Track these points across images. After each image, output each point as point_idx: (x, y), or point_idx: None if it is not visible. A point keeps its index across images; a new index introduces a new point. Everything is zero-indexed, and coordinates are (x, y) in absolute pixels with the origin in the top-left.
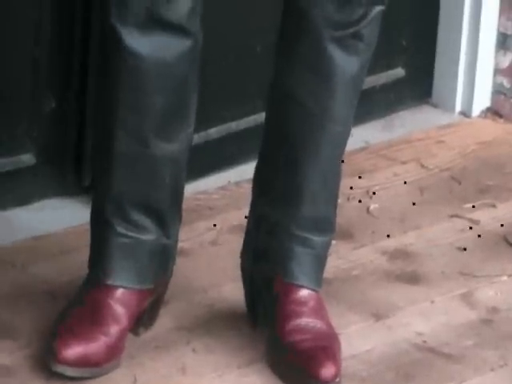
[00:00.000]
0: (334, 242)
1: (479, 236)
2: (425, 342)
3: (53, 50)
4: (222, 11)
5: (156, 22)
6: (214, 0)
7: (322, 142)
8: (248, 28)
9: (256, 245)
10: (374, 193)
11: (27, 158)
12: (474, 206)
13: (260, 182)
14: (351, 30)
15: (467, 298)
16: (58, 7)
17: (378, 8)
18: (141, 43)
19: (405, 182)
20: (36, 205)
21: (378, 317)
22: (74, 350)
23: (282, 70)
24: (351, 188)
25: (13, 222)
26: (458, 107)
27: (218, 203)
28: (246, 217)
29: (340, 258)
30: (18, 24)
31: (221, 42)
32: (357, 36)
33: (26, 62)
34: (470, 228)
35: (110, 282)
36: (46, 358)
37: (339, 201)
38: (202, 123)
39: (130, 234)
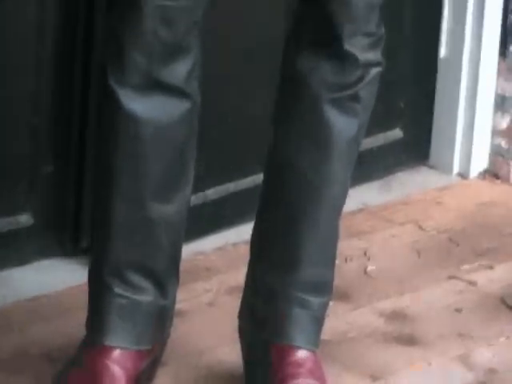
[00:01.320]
0: (331, 302)
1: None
2: None
3: (51, 115)
4: (220, 74)
5: (154, 85)
6: (211, 63)
7: (320, 206)
8: (246, 90)
9: (253, 307)
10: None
11: (25, 219)
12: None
13: (258, 244)
14: (349, 92)
15: (464, 360)
16: (57, 73)
17: (376, 69)
18: (138, 105)
19: (402, 244)
20: (33, 265)
21: (374, 378)
22: None
23: (279, 134)
24: (349, 250)
25: (10, 282)
26: (456, 169)
27: (216, 264)
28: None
29: (337, 319)
30: (18, 91)
31: (219, 103)
32: (354, 98)
33: (25, 126)
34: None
35: (107, 343)
36: None
37: (337, 262)
38: (200, 184)
39: (127, 294)
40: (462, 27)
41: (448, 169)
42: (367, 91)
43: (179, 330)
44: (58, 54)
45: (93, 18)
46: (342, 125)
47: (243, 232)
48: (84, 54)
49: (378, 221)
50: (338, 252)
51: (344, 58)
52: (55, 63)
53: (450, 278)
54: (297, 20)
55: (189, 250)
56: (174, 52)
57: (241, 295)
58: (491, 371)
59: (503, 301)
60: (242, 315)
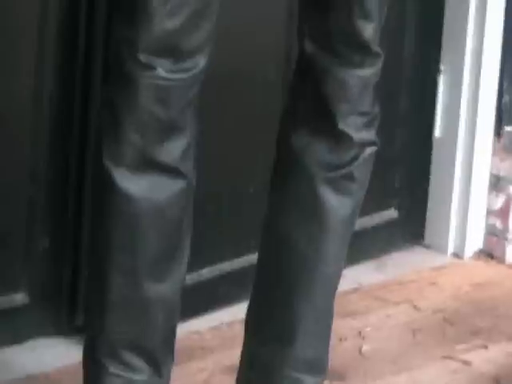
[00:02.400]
0: (326, 382)
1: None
2: None
3: (48, 190)
4: (214, 151)
5: (149, 164)
6: (206, 141)
7: (315, 283)
8: (241, 168)
9: (249, 382)
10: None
11: (20, 297)
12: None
13: (253, 321)
14: (343, 172)
15: None
16: (52, 148)
17: (371, 149)
18: (133, 184)
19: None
20: (29, 344)
21: None
22: None
23: (274, 211)
24: (344, 330)
25: (5, 360)
26: (451, 249)
27: (211, 343)
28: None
29: None
30: (14, 165)
31: (214, 182)
32: (349, 177)
33: (21, 200)
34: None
35: None
36: None
37: (331, 341)
38: (195, 263)
39: (122, 373)
40: (456, 107)
41: (443, 248)
42: (362, 170)
43: None
44: (53, 130)
45: (89, 91)
46: (337, 204)
47: (238, 311)
48: (80, 131)
49: (372, 300)
50: (332, 331)
51: (339, 138)
52: (51, 137)
53: (445, 357)
54: (292, 99)
55: (184, 328)
56: (168, 131)
57: (235, 375)
58: None
59: (498, 381)
60: None
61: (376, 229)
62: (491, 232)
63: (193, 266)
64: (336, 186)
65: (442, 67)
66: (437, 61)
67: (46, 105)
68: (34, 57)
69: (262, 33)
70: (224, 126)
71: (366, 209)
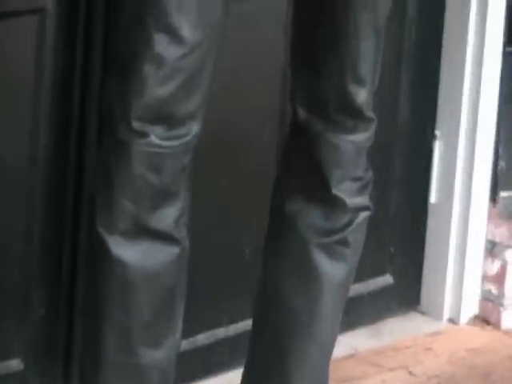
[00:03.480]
0: None
1: None
2: None
3: (42, 258)
4: (207, 213)
5: (142, 231)
6: (200, 203)
7: (310, 346)
8: (236, 231)
9: None
10: None
11: (15, 364)
12: None
13: (248, 381)
14: (337, 237)
15: None
16: (46, 214)
17: (364, 214)
18: (127, 251)
19: None
20: None
21: None
22: None
23: (269, 277)
24: None
25: None
26: (447, 314)
27: None
28: None
29: None
30: (9, 229)
31: (208, 245)
32: (343, 242)
33: (15, 268)
34: None
35: None
36: None
37: None
38: (190, 329)
39: None
40: (452, 173)
41: (438, 314)
42: (356, 236)
43: None
44: (48, 194)
45: (83, 154)
46: (331, 269)
47: (234, 378)
48: (74, 196)
49: (368, 366)
50: None
51: (332, 203)
52: (45, 202)
53: None
54: (285, 164)
55: None
56: (162, 197)
57: None
58: None
59: None
60: None
61: (371, 295)
62: (487, 298)
63: (188, 332)
64: (330, 251)
65: (437, 133)
66: (432, 126)
67: (39, 166)
68: (29, 120)
69: (256, 95)
70: (218, 187)
71: (361, 274)
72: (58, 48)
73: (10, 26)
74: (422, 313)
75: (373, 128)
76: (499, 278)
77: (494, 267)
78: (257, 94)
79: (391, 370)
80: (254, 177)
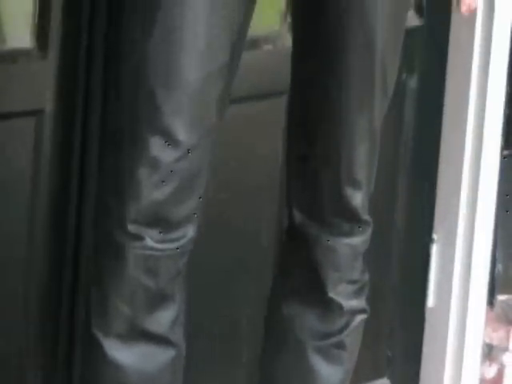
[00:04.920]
0: None
1: None
2: None
3: (38, 360)
4: (203, 308)
5: (138, 334)
6: (197, 295)
7: None
8: (233, 300)
9: None
10: None
11: None
12: None
13: None
14: (334, 340)
15: None
16: (42, 320)
17: (361, 316)
18: (123, 354)
19: None
20: None
21: None
22: None
23: (266, 379)
24: None
25: None
26: None
27: None
28: None
29: None
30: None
31: (204, 335)
32: (340, 345)
33: (12, 358)
34: None
35: None
36: None
37: None
38: None
39: None
40: (449, 276)
41: None
42: (352, 338)
43: None
44: (43, 297)
45: (80, 257)
46: (328, 372)
47: None
48: (68, 302)
49: None
50: None
51: (329, 306)
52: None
53: None
54: (282, 267)
55: None
56: (157, 301)
57: None
58: None
59: None
60: None
61: None
62: None
63: None
64: (326, 354)
65: (434, 236)
66: (429, 230)
67: (35, 272)
68: (25, 222)
69: (253, 198)
70: (213, 287)
71: (358, 377)
72: (56, 150)
73: (8, 127)
74: None
75: (369, 231)
76: (496, 382)
77: (491, 371)
78: (254, 196)
79: None
80: (251, 277)
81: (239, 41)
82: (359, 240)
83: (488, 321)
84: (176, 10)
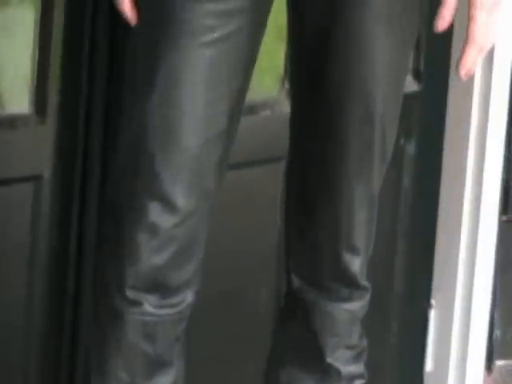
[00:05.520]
0: None
1: None
2: None
3: None
4: (204, 356)
5: None
6: (194, 366)
7: None
8: (231, 366)
9: None
10: None
11: None
12: None
13: None
14: None
15: None
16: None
17: (359, 382)
18: None
19: None
20: None
21: None
22: None
23: None
24: None
25: None
26: None
27: None
28: None
29: None
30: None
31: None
32: None
33: None
34: None
35: None
36: None
37: None
38: None
39: None
40: (447, 341)
41: None
42: None
43: None
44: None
45: (78, 328)
46: None
47: None
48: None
49: None
50: None
51: (327, 372)
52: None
53: None
54: (280, 333)
55: None
56: (156, 367)
57: None
58: None
59: None
60: None
61: None
62: None
63: None
64: None
65: (432, 302)
66: (428, 295)
67: (34, 337)
68: (23, 287)
69: (252, 263)
70: (212, 352)
71: None
72: (54, 216)
73: (5, 193)
74: None
75: (367, 296)
76: None
77: None
78: (252, 262)
79: None
80: (249, 345)
81: (237, 106)
82: (357, 305)
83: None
84: (175, 77)
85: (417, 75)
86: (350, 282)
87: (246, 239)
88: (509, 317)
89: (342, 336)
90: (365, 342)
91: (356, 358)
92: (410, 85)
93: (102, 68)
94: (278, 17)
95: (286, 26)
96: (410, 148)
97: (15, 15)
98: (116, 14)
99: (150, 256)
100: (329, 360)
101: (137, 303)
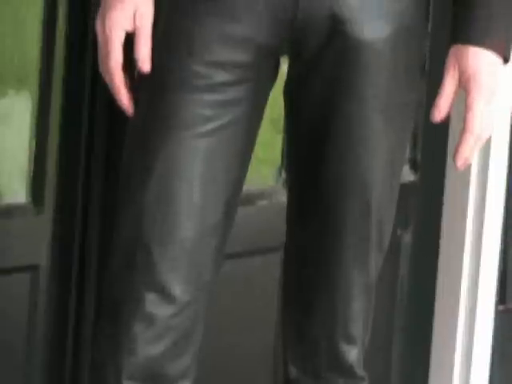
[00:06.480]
0: None
1: None
2: None
3: None
4: None
5: None
6: None
7: None
8: None
9: None
10: None
11: None
12: None
13: None
14: None
15: None
16: None
17: None
18: None
19: None
20: None
21: None
22: None
23: None
24: None
25: None
26: None
27: None
28: None
29: None
30: None
31: None
32: None
33: None
34: None
35: None
36: None
37: None
38: None
39: None
40: None
41: None
42: None
43: None
44: None
45: None
46: None
47: None
48: None
49: None
50: None
51: None
52: None
53: None
54: None
55: None
56: None
57: None
58: None
59: None
60: None
61: None
62: None
63: None
64: None
65: None
66: None
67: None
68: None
69: (249, 356)
70: None
71: None
72: (51, 305)
73: (2, 282)
74: None
75: None
76: None
77: None
78: (250, 352)
79: None
80: None
81: (234, 197)
82: None
83: None
84: (171, 169)
85: (413, 165)
86: (347, 372)
87: (243, 329)
88: None
89: None
90: None
91: None
92: (407, 175)
93: (99, 158)
94: (275, 108)
95: (283, 118)
96: (407, 237)
97: (12, 106)
98: (114, 105)
99: (147, 346)
100: None
101: None
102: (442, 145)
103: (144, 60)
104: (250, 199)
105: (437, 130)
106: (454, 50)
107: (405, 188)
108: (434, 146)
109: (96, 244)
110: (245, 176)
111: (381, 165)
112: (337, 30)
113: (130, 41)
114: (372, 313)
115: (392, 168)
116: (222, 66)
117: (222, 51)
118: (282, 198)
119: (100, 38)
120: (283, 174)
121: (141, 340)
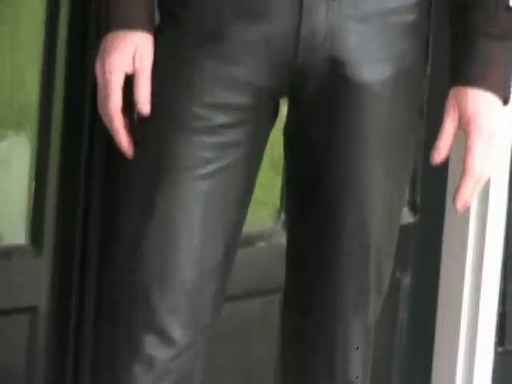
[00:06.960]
0: None
1: None
2: None
3: None
4: None
5: None
6: None
7: None
8: None
9: None
10: None
11: None
12: None
13: None
14: None
15: None
16: None
17: None
18: None
19: None
20: None
21: None
22: None
23: None
24: None
25: None
26: None
27: None
28: None
29: None
30: None
31: None
32: None
33: None
34: None
35: None
36: None
37: None
38: None
39: None
40: None
41: None
42: None
43: None
44: None
45: None
46: None
47: None
48: None
49: None
50: None
51: None
52: None
53: None
54: None
55: None
56: None
57: None
58: None
59: None
60: None
61: None
62: None
63: None
64: None
65: None
66: None
67: None
68: None
69: None
70: None
71: None
72: (50, 348)
73: (1, 324)
74: None
75: None
76: None
77: None
78: None
79: None
80: None
81: (234, 239)
82: None
83: None
84: (171, 212)
85: (413, 207)
86: None
87: (243, 370)
88: None
89: None
90: None
91: None
92: (406, 216)
93: (97, 201)
94: (274, 149)
95: (283, 159)
96: (406, 279)
97: (12, 148)
98: (113, 147)
99: None
100: None
101: None
102: (441, 187)
103: (143, 102)
104: (250, 241)
105: (436, 172)
106: (454, 91)
107: (404, 230)
108: (433, 188)
109: (94, 287)
110: (245, 218)
111: (380, 206)
112: (336, 72)
113: (129, 83)
114: (371, 357)
115: (391, 210)
116: (221, 108)
117: (222, 94)
118: (282, 239)
119: (99, 81)
120: (282, 216)
121: (140, 382)
